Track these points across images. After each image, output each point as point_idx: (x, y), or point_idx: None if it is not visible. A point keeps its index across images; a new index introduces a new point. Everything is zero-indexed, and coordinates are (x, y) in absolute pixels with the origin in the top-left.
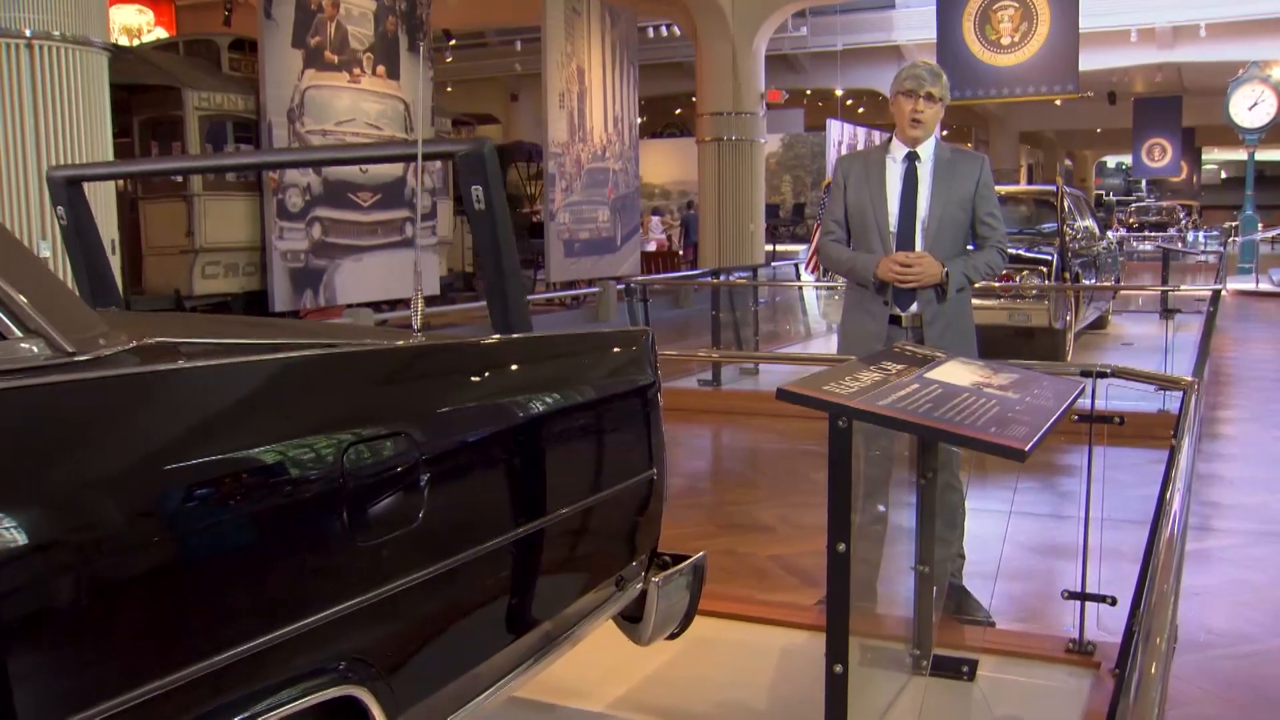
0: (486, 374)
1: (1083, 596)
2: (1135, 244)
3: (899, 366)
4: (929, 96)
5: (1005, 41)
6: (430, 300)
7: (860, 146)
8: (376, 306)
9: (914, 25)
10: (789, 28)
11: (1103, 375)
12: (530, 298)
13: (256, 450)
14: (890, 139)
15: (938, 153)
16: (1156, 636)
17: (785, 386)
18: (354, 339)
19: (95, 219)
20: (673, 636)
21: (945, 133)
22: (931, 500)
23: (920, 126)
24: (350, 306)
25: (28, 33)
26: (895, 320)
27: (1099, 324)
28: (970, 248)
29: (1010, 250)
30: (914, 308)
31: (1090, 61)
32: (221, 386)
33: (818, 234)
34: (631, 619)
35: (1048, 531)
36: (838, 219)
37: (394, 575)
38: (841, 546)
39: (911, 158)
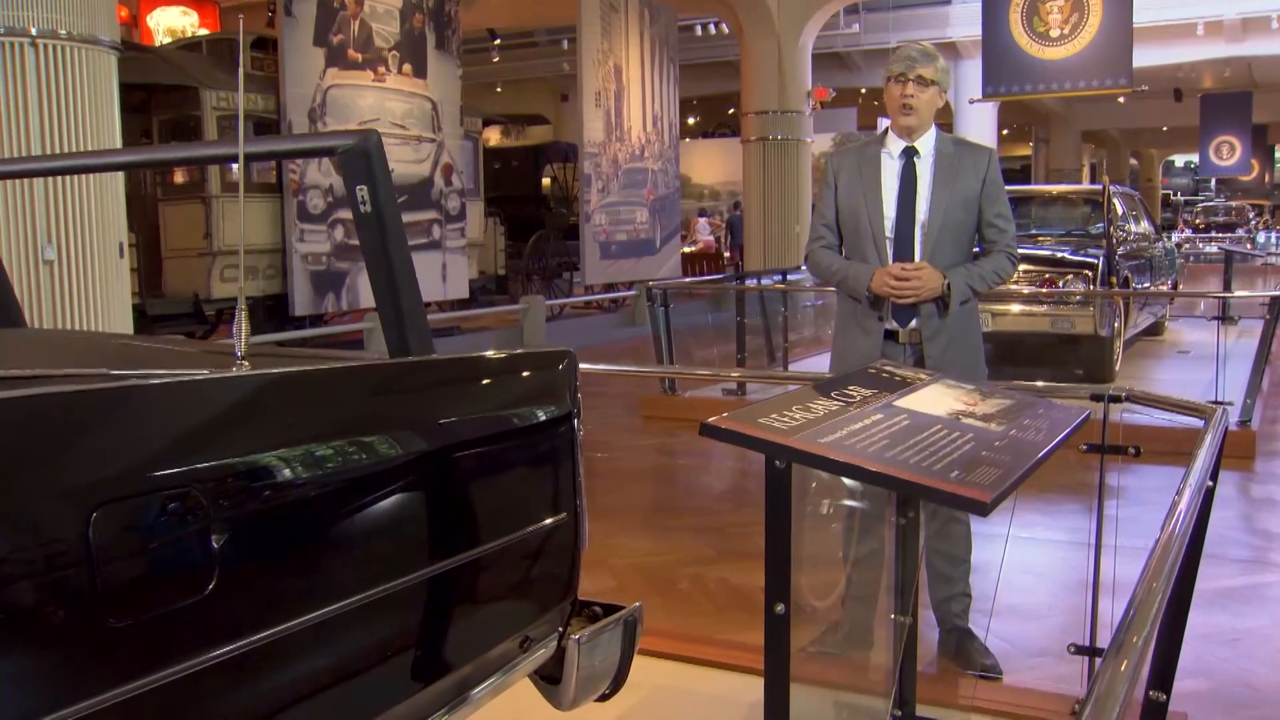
0: (335, 408)
1: (1091, 651)
2: (1201, 245)
3: (867, 392)
4: (920, 80)
5: (1054, 34)
6: (460, 304)
7: None
8: None
9: (969, 21)
10: (841, 25)
11: (1115, 399)
12: (567, 300)
13: None
14: (886, 132)
15: (939, 146)
16: (1135, 635)
17: (711, 421)
18: (149, 368)
19: None
20: (603, 699)
21: (1005, 131)
22: (914, 542)
23: (913, 114)
24: (368, 311)
25: (33, 31)
26: (893, 336)
27: (1154, 330)
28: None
29: (1059, 254)
30: (913, 323)
31: (1154, 56)
32: None
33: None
34: (551, 680)
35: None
36: (828, 222)
37: (171, 660)
38: (780, 608)
39: (909, 152)
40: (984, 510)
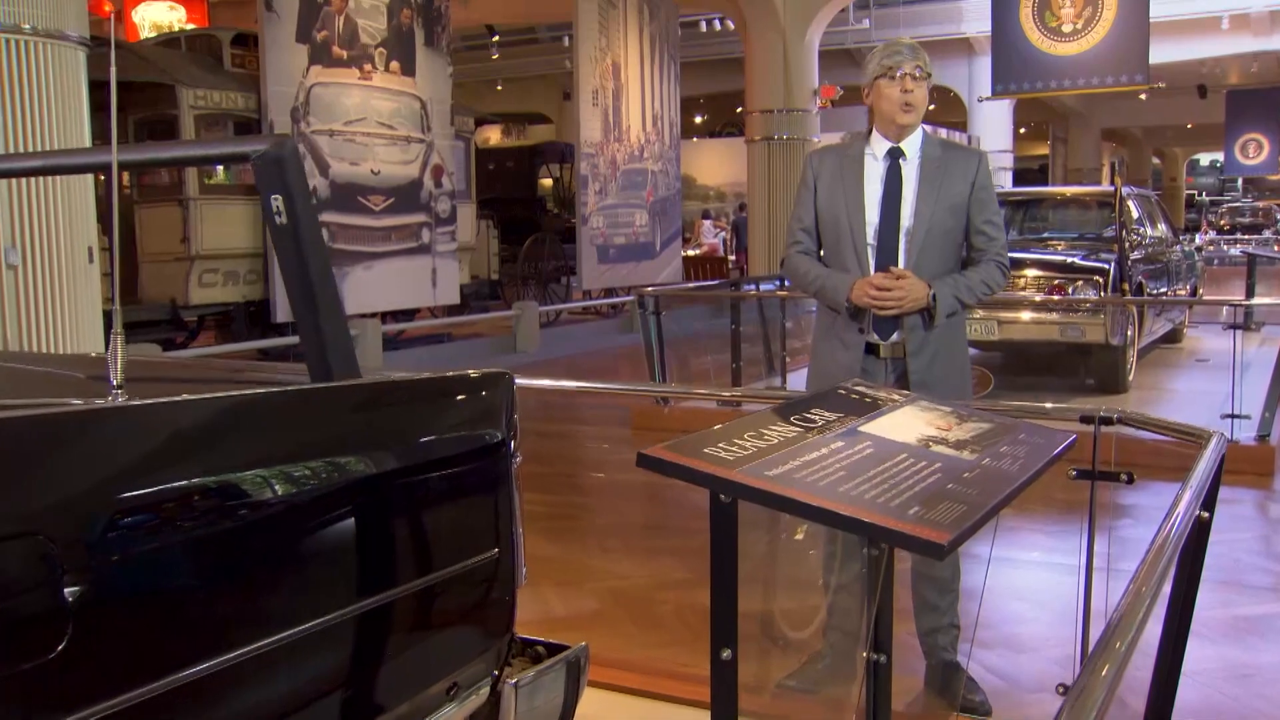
0: (225, 441)
1: None
2: (1225, 248)
3: (831, 416)
4: (916, 72)
5: (1067, 29)
6: (452, 310)
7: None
8: (388, 317)
9: (983, 16)
10: (851, 20)
11: (1106, 422)
12: (564, 305)
13: None
14: (870, 131)
15: (925, 149)
16: (1118, 641)
17: (649, 451)
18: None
19: None
20: None
21: (1023, 130)
22: (886, 574)
23: (913, 111)
24: (354, 317)
25: None
26: (874, 350)
27: (1172, 337)
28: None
29: (1069, 259)
30: (895, 336)
31: (1175, 52)
32: None
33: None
34: None
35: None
36: (806, 227)
37: None
38: (726, 653)
39: (895, 154)
40: (940, 554)
